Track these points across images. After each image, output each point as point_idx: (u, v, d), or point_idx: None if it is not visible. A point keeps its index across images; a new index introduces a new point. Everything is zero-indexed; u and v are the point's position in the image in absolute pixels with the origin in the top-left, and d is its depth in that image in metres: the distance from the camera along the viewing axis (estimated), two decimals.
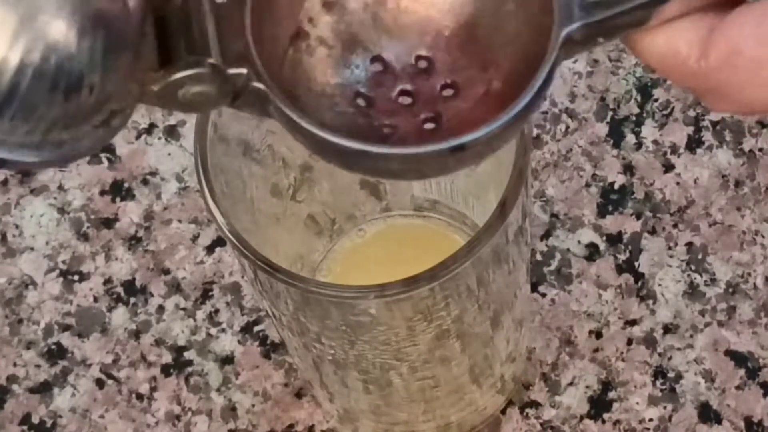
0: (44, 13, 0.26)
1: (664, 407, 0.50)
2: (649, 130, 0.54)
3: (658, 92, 0.54)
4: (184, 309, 0.52)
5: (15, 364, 0.52)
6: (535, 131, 0.54)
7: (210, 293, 0.52)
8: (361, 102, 0.31)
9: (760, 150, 0.53)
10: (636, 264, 0.52)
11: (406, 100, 0.31)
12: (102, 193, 0.54)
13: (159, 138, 0.55)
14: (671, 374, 0.50)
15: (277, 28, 0.30)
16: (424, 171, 0.30)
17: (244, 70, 0.29)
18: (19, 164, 0.28)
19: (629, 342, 0.51)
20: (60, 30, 0.26)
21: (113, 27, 0.27)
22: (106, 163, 0.55)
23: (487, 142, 0.29)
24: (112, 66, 0.27)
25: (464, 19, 0.31)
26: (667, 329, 0.51)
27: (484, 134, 0.28)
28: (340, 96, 0.31)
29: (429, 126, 0.31)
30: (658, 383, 0.50)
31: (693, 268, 0.51)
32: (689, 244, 0.52)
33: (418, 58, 0.31)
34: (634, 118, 0.54)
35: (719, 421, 0.49)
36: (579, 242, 0.52)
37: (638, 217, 0.52)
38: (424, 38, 0.31)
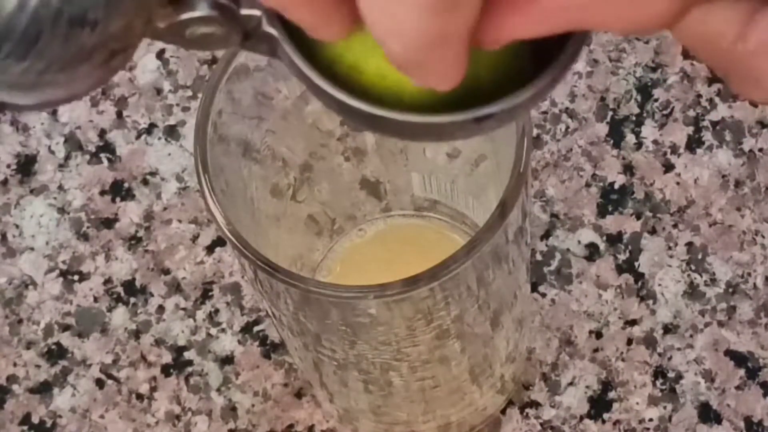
0: None
1: (664, 407, 0.50)
2: (649, 130, 0.54)
3: (658, 92, 0.54)
4: (184, 309, 0.52)
5: (15, 364, 0.52)
6: (535, 131, 0.54)
7: (210, 293, 0.52)
8: None
9: (760, 150, 0.53)
10: (636, 264, 0.52)
11: None
12: (102, 193, 0.54)
13: (159, 138, 0.55)
14: (671, 374, 0.50)
15: None
16: (444, 135, 0.30)
17: (257, 12, 0.28)
18: (9, 106, 0.26)
19: (629, 342, 0.51)
20: None
21: None
22: (106, 163, 0.55)
23: (510, 111, 0.28)
24: (119, 2, 0.26)
25: None
26: (667, 329, 0.51)
27: (509, 105, 0.28)
28: None
29: None
30: (658, 383, 0.50)
31: (693, 268, 0.51)
32: (689, 244, 0.52)
33: None
34: (634, 118, 0.54)
35: (719, 421, 0.49)
36: (579, 242, 0.52)
37: (638, 217, 0.52)
38: None
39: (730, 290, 0.51)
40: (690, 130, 0.54)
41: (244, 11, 0.27)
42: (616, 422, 0.50)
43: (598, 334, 0.51)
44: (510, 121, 0.31)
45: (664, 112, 0.54)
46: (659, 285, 0.51)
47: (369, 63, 0.28)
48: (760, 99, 0.29)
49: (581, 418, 0.50)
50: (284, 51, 0.28)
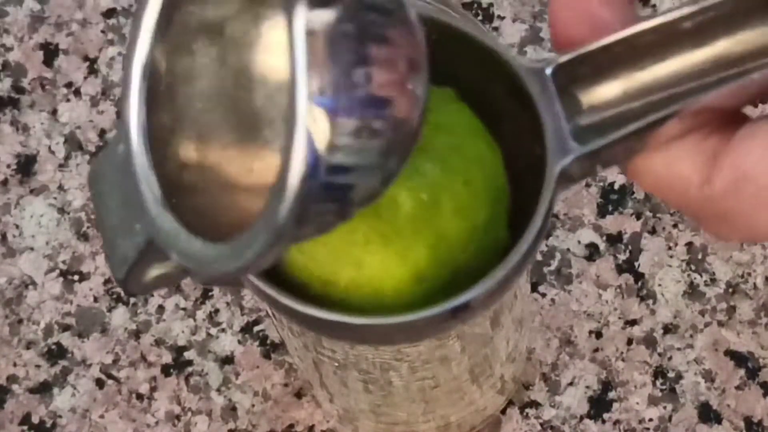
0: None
1: (664, 407, 0.50)
2: None
3: None
4: (184, 309, 0.52)
5: (15, 364, 0.52)
6: None
7: (210, 293, 0.52)
8: None
9: None
10: (636, 264, 0.52)
11: None
12: None
13: None
14: (671, 374, 0.50)
15: None
16: (423, 334, 0.29)
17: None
18: (223, 278, 0.26)
19: (629, 342, 0.51)
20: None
21: (406, 147, 0.26)
22: None
23: (488, 296, 0.28)
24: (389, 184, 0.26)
25: None
26: (667, 329, 0.51)
27: (483, 291, 0.27)
28: None
29: None
30: (658, 383, 0.50)
31: (693, 268, 0.51)
32: (689, 244, 0.52)
33: None
34: None
35: (719, 421, 0.49)
36: (579, 242, 0.52)
37: (638, 217, 0.52)
38: None
39: (730, 290, 0.51)
40: None
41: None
42: (616, 422, 0.50)
43: (598, 334, 0.51)
44: (491, 304, 0.30)
45: None
46: (659, 285, 0.51)
47: (342, 275, 0.29)
48: (731, 239, 0.28)
49: (581, 418, 0.50)
50: (251, 282, 0.28)
